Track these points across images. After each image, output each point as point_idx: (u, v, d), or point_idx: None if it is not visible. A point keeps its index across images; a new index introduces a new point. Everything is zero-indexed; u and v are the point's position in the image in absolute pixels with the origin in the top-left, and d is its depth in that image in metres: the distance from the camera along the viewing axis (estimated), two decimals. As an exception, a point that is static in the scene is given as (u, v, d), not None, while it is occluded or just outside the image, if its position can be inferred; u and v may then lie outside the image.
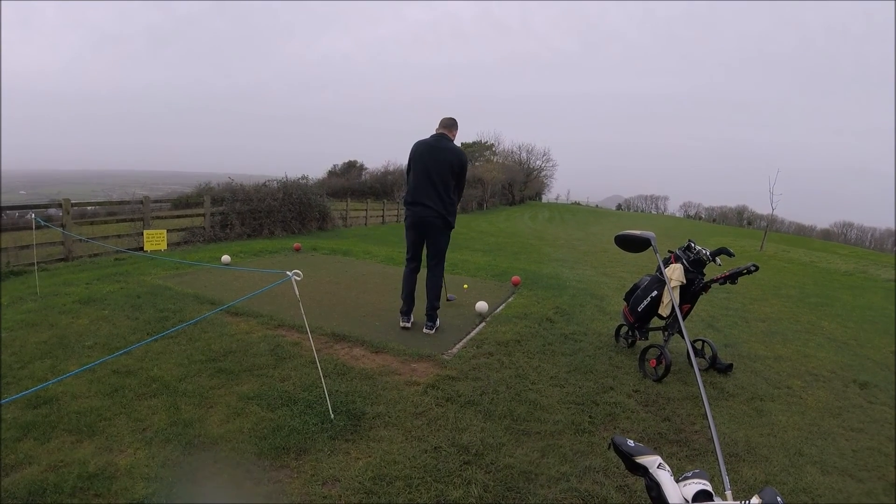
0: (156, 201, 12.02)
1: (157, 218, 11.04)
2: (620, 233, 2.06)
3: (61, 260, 8.29)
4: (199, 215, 12.09)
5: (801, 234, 63.54)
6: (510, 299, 6.20)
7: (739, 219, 78.90)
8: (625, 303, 4.53)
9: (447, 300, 5.93)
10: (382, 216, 23.55)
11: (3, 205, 8.32)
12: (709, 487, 0.92)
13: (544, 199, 75.20)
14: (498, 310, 5.67)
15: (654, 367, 3.93)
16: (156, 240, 9.47)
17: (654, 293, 4.14)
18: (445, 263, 5.02)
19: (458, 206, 4.99)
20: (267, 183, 14.80)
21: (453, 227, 4.75)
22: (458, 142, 4.75)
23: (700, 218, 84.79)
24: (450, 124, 4.68)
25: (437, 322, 4.83)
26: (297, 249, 9.52)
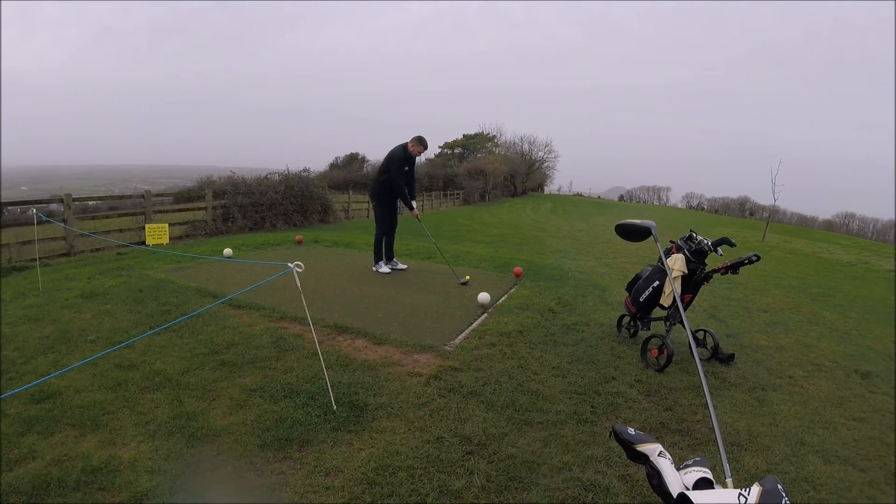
0: (157, 195, 12.02)
1: (159, 212, 11.02)
2: (621, 222, 2.05)
3: (63, 255, 8.30)
4: (200, 209, 12.09)
5: (803, 225, 63.35)
6: (512, 290, 6.20)
7: (741, 210, 78.68)
8: (627, 293, 4.52)
9: (460, 283, 6.33)
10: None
11: (4, 200, 8.33)
12: (710, 475, 0.92)
13: (547, 190, 75.02)
14: (500, 301, 5.67)
15: (656, 357, 3.93)
16: (158, 234, 9.47)
17: (656, 283, 4.13)
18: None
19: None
20: (268, 176, 14.78)
21: (376, 202, 6.75)
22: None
23: (702, 209, 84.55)
24: (413, 139, 6.49)
25: (378, 266, 6.87)
26: (299, 242, 9.52)
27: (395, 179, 6.42)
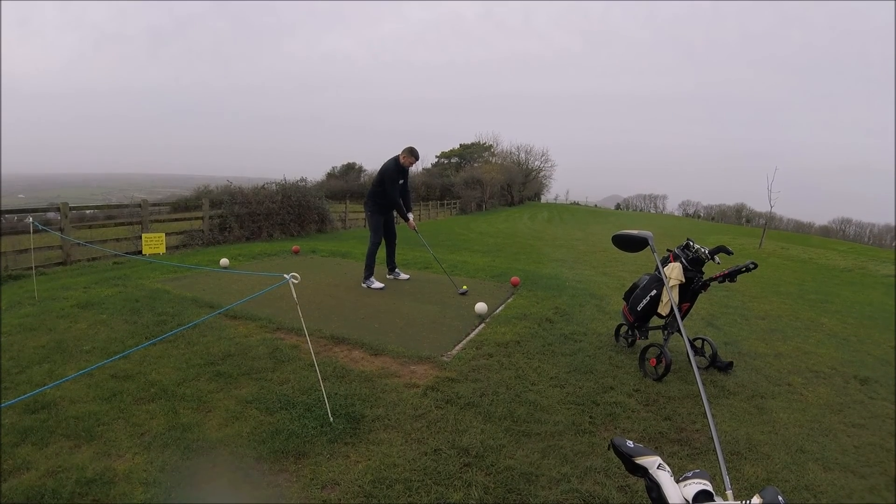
0: (154, 204, 12.03)
1: (156, 221, 11.02)
2: (618, 232, 2.06)
3: (59, 264, 8.28)
4: (197, 218, 12.09)
5: (800, 232, 63.57)
6: (509, 300, 6.19)
7: (738, 217, 78.95)
8: (624, 302, 4.52)
9: (459, 293, 6.31)
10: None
11: (1, 209, 8.32)
12: (709, 487, 0.91)
13: (543, 199, 75.22)
14: (497, 311, 5.66)
15: (655, 367, 3.92)
16: (154, 243, 9.45)
17: (654, 292, 4.13)
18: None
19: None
20: (265, 185, 14.80)
21: (370, 212, 6.70)
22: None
23: (699, 216, 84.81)
24: (404, 150, 6.52)
25: (370, 282, 6.56)
26: (296, 252, 9.50)
27: (391, 193, 6.47)
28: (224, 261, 7.79)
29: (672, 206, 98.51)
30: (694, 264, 4.01)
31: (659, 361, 3.90)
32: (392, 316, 5.22)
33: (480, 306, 5.35)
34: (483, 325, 5.06)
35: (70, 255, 8.46)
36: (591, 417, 3.22)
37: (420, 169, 48.31)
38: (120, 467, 2.46)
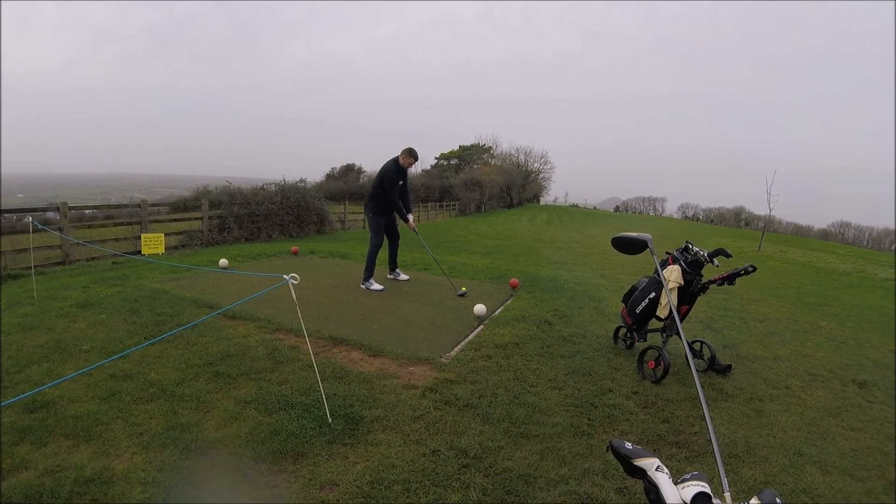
0: (153, 205, 12.03)
1: (155, 221, 11.01)
2: (617, 235, 2.06)
3: (59, 263, 8.27)
4: (196, 219, 12.09)
5: (799, 235, 63.64)
6: (508, 302, 6.20)
7: (737, 220, 79.07)
8: (623, 304, 4.52)
9: (458, 295, 6.34)
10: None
11: (1, 208, 8.32)
12: (708, 489, 0.91)
13: (542, 201, 75.29)
14: (496, 312, 5.66)
15: (653, 369, 3.93)
16: (153, 243, 9.45)
17: (652, 295, 4.14)
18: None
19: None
20: (265, 186, 14.81)
21: (371, 214, 6.68)
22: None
23: (698, 219, 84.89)
24: (403, 151, 6.54)
25: (369, 283, 6.54)
26: (295, 253, 9.50)
27: (390, 194, 6.46)
28: (223, 261, 7.79)
29: (671, 209, 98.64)
30: (693, 267, 4.02)
31: (657, 364, 3.90)
32: (391, 317, 5.22)
33: (479, 308, 5.35)
34: (482, 326, 5.07)
35: (69, 255, 8.46)
36: (589, 419, 3.22)
37: (419, 170, 48.40)
38: (118, 467, 2.46)
